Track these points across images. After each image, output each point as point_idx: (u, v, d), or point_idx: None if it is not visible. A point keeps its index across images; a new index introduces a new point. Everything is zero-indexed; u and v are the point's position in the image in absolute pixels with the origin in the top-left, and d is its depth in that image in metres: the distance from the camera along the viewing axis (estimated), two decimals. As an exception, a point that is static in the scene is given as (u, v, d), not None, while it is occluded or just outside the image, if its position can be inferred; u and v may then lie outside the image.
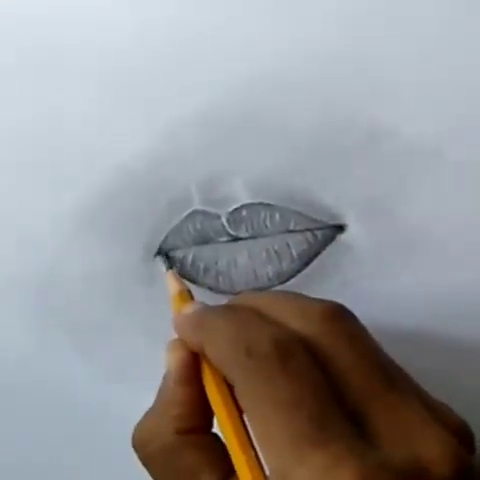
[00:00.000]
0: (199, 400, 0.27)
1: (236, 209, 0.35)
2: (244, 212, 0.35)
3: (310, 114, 0.34)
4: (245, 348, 0.24)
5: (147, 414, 0.29)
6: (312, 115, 0.34)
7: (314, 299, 0.27)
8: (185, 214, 0.35)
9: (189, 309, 0.30)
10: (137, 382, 0.38)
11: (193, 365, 0.28)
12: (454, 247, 0.33)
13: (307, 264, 0.34)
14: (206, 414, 0.28)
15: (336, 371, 0.24)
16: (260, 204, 0.35)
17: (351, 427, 0.22)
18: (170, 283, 0.33)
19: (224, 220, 0.35)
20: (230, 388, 0.26)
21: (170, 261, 0.35)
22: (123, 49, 0.35)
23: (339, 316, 0.26)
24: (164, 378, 0.29)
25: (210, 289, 0.36)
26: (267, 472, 0.23)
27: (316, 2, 0.33)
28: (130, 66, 0.35)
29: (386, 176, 0.33)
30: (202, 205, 0.35)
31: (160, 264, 0.36)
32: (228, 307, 0.30)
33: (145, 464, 0.28)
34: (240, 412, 0.26)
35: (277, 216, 0.34)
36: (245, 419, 0.25)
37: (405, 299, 0.34)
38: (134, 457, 0.39)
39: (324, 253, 0.34)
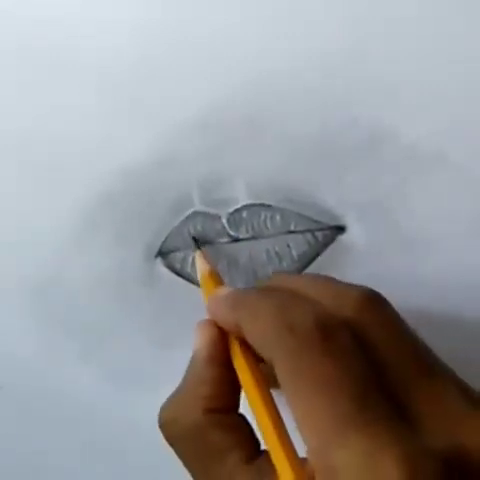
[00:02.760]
0: (227, 379, 0.27)
1: (236, 210, 0.35)
2: (244, 213, 0.35)
3: (310, 116, 0.34)
4: (288, 326, 0.24)
5: (174, 394, 0.28)
6: (312, 117, 0.34)
7: (349, 284, 0.27)
8: (186, 215, 0.36)
9: (224, 291, 0.29)
10: (139, 382, 0.38)
11: (222, 344, 0.28)
12: (454, 248, 0.33)
13: (307, 265, 0.34)
14: (234, 394, 0.27)
15: (377, 355, 0.24)
16: (260, 205, 0.35)
17: (393, 410, 0.22)
18: (199, 263, 0.33)
19: (224, 221, 0.35)
20: (259, 369, 0.26)
21: (197, 243, 0.35)
22: (123, 51, 0.35)
23: (378, 301, 0.26)
24: (192, 358, 0.29)
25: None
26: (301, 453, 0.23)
27: (316, 6, 0.33)
28: (131, 68, 0.35)
29: (386, 177, 0.33)
30: (203, 206, 0.35)
31: (160, 266, 0.36)
32: (265, 288, 0.29)
33: (171, 443, 0.27)
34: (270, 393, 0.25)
35: (277, 217, 0.34)
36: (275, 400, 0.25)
37: (405, 300, 0.34)
38: (135, 457, 0.39)
39: (324, 254, 0.34)
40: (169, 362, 0.37)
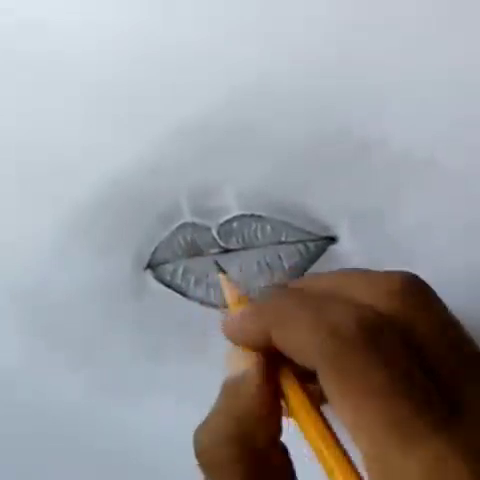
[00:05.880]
0: (274, 412, 0.25)
1: (227, 221, 0.35)
2: (235, 224, 0.34)
3: (302, 125, 0.34)
4: (328, 330, 0.22)
5: (214, 417, 0.26)
6: (304, 126, 0.34)
7: (384, 272, 0.25)
8: (175, 226, 0.35)
9: (246, 307, 0.27)
10: (126, 394, 0.37)
11: (271, 372, 0.25)
12: (449, 256, 0.33)
13: (299, 276, 0.34)
14: (278, 425, 0.25)
15: (425, 349, 0.22)
16: (251, 216, 0.34)
17: (449, 408, 0.21)
18: (225, 290, 0.31)
19: (215, 232, 0.35)
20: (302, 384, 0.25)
21: (220, 267, 0.33)
22: (111, 58, 0.35)
23: (419, 288, 0.24)
24: (235, 381, 0.26)
25: (201, 302, 0.35)
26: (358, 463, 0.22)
27: (303, 13, 0.33)
28: (116, 78, 0.35)
29: (378, 186, 0.33)
30: (192, 217, 0.35)
31: (149, 277, 0.36)
32: (294, 290, 0.27)
33: (209, 472, 0.25)
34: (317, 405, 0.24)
35: (268, 228, 0.34)
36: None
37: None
38: (121, 467, 0.38)
39: (316, 265, 0.34)
40: (156, 374, 0.37)
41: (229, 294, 0.30)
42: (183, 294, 0.35)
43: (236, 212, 0.34)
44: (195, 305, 0.35)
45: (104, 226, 0.36)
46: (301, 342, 0.23)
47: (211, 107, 0.34)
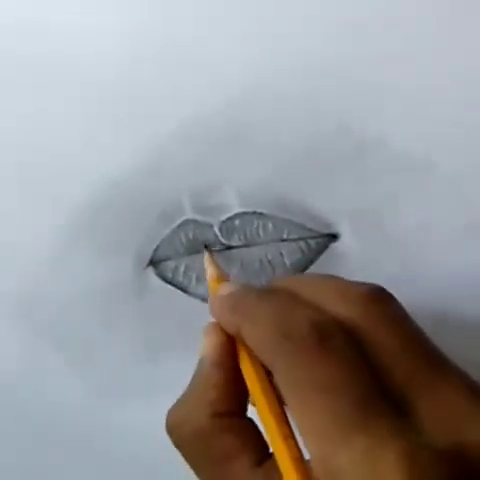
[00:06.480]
0: (234, 383, 0.27)
1: (229, 218, 0.35)
2: (237, 221, 0.35)
3: (302, 125, 0.34)
4: (283, 331, 0.24)
5: (181, 398, 0.28)
6: (304, 126, 0.34)
7: (353, 281, 0.27)
8: (177, 224, 0.35)
9: (225, 289, 0.29)
10: (127, 396, 0.37)
11: (229, 348, 0.28)
12: (449, 255, 0.33)
13: (301, 273, 0.34)
14: (241, 397, 0.27)
15: (378, 354, 0.23)
16: (253, 213, 0.34)
17: (393, 410, 0.22)
18: (206, 267, 0.33)
19: (216, 229, 0.35)
20: (267, 371, 0.26)
21: (207, 248, 0.35)
22: (109, 60, 0.35)
23: (380, 298, 0.26)
24: (199, 362, 0.28)
25: (202, 300, 0.35)
26: (307, 456, 0.22)
27: (300, 15, 0.33)
28: (116, 78, 0.35)
29: (379, 185, 0.33)
30: (194, 214, 0.35)
31: (151, 275, 0.36)
32: (265, 290, 0.29)
33: (179, 447, 0.27)
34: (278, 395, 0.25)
35: (270, 225, 0.34)
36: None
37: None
38: (120, 469, 0.38)
39: (317, 262, 0.34)
40: (156, 374, 0.37)
41: (209, 273, 0.32)
42: (185, 291, 0.36)
43: (238, 210, 0.35)
44: (197, 302, 0.35)
45: (104, 227, 0.36)
46: (260, 341, 0.25)
47: (211, 107, 0.34)
